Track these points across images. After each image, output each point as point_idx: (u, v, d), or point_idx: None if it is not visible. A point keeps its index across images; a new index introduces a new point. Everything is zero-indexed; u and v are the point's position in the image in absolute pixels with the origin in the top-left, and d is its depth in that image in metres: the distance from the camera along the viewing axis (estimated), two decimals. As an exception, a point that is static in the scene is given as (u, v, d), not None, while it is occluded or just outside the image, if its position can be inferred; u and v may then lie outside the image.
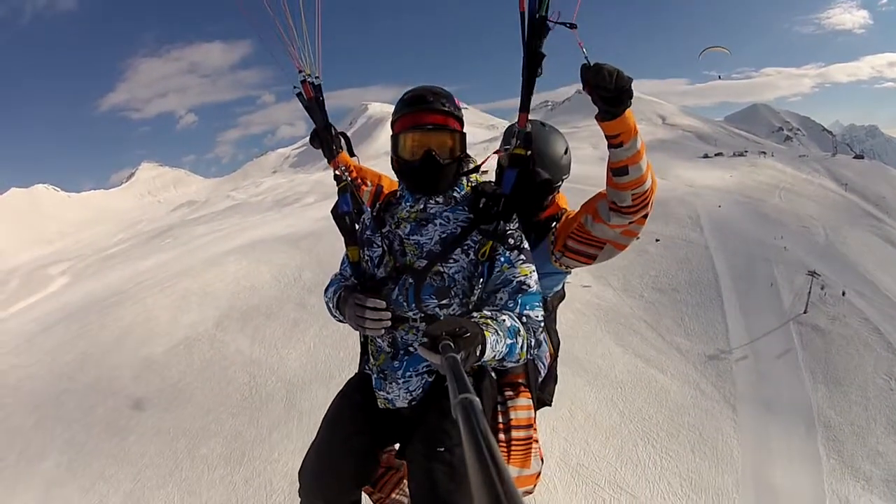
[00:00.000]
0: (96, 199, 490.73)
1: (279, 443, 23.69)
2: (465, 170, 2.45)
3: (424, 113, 2.27)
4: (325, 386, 26.10)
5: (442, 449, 2.09)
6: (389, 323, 2.23)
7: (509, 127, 2.68)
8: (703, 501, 22.02)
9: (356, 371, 2.78)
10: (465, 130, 2.37)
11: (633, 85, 2.17)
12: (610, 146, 2.36)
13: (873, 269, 45.20)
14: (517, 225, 2.36)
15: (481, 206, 2.35)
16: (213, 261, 51.02)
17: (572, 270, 3.02)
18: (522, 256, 2.27)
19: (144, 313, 43.54)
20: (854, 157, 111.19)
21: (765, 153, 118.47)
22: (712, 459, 24.26)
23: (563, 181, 3.01)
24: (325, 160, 3.02)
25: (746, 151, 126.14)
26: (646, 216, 2.57)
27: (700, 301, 37.78)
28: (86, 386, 34.15)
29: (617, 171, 2.38)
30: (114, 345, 38.91)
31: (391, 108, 2.57)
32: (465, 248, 2.29)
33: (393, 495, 2.71)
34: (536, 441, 2.68)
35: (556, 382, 3.17)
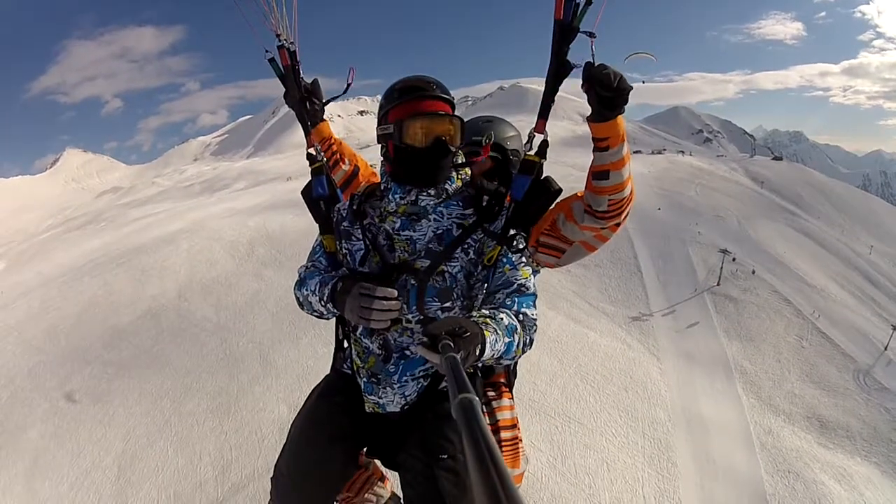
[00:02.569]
0: (23, 184, 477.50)
1: (262, 395, 27.63)
2: (457, 163, 2.59)
3: (429, 100, 2.45)
4: (295, 346, 30.78)
5: (445, 456, 2.24)
6: (397, 314, 2.29)
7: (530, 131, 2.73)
8: (641, 428, 29.42)
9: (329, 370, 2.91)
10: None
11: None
12: (596, 149, 2.51)
13: (785, 254, 55.96)
14: (521, 228, 2.51)
15: (484, 204, 2.52)
16: (166, 239, 56.73)
17: (540, 270, 3.11)
18: (524, 259, 2.40)
19: (105, 287, 49.62)
20: (772, 159, 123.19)
21: (683, 152, 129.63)
22: (644, 397, 31.94)
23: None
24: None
25: (664, 150, 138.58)
26: (619, 224, 2.74)
27: (622, 275, 47.08)
28: (58, 357, 38.94)
29: (598, 174, 2.54)
30: (80, 317, 44.57)
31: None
32: (465, 246, 2.42)
33: (364, 495, 2.83)
34: (521, 440, 2.99)
35: (515, 377, 3.27)
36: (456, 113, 2.51)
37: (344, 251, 2.61)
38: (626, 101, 2.32)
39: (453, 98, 2.52)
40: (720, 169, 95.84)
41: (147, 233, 70.68)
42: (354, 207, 2.64)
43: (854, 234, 69.43)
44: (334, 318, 2.74)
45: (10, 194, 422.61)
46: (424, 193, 2.45)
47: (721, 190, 79.91)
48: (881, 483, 28.46)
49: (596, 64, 2.30)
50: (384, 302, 2.17)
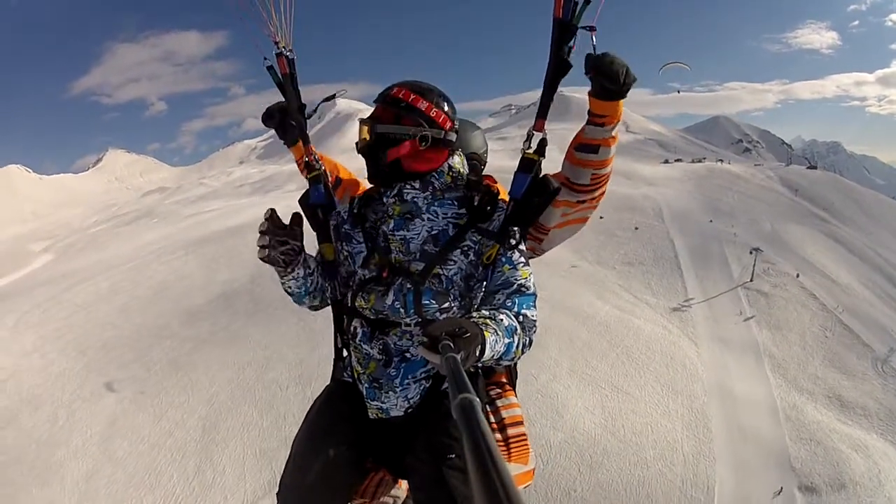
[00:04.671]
0: (67, 182, 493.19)
1: (344, 366, 32.12)
2: (453, 166, 2.61)
3: (378, 105, 2.55)
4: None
5: (453, 456, 2.15)
6: (267, 251, 2.37)
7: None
8: (681, 400, 33.49)
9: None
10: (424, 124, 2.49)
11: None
12: (591, 123, 2.52)
13: (813, 254, 58.78)
14: (518, 226, 2.52)
15: (476, 203, 2.54)
16: (231, 231, 62.38)
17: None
18: (523, 259, 2.42)
19: (175, 273, 54.58)
20: (808, 168, 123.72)
21: (722, 161, 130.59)
22: (682, 374, 35.89)
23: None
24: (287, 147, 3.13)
25: (704, 158, 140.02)
26: (601, 195, 2.80)
27: (663, 272, 51.02)
28: (133, 332, 42.75)
29: (586, 147, 2.57)
30: (153, 298, 49.12)
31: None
32: (465, 248, 2.44)
33: (380, 499, 2.62)
34: (527, 437, 2.79)
35: (516, 377, 3.08)
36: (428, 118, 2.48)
37: (345, 253, 2.66)
38: (630, 86, 2.38)
39: (426, 104, 2.49)
40: (756, 177, 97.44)
41: (207, 226, 75.82)
42: (355, 211, 2.69)
43: (882, 241, 70.88)
44: (333, 328, 2.83)
45: (53, 191, 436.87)
46: (408, 186, 2.51)
47: (757, 196, 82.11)
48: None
49: (601, 54, 2.34)
50: (262, 237, 2.35)
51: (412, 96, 2.47)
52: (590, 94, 2.43)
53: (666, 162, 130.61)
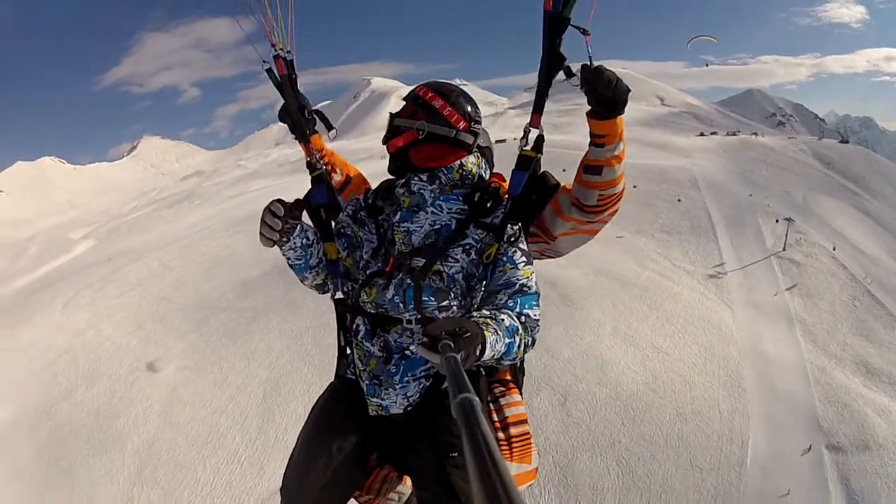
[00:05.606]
0: (102, 170, 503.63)
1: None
2: (465, 164, 2.65)
3: (404, 107, 2.68)
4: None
5: (456, 454, 2.14)
6: (278, 236, 2.44)
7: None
8: (717, 361, 35.23)
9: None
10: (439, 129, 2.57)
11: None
12: (592, 144, 2.53)
13: (843, 226, 60.21)
14: (518, 224, 2.52)
15: (476, 199, 2.55)
16: None
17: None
18: (524, 258, 2.41)
19: (227, 249, 56.55)
20: (840, 142, 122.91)
21: (756, 134, 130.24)
22: (718, 337, 37.58)
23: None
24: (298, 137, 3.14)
25: (739, 131, 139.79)
26: (610, 215, 2.75)
27: (699, 241, 52.57)
28: (188, 305, 44.64)
29: (590, 168, 2.56)
30: (207, 273, 51.09)
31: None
32: (467, 247, 2.45)
33: (384, 495, 2.66)
34: (531, 436, 2.72)
35: (524, 375, 3.01)
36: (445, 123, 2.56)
37: (361, 237, 2.70)
38: (625, 103, 2.39)
39: (441, 102, 2.57)
40: (790, 150, 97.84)
41: (253, 205, 77.02)
42: (369, 202, 2.74)
43: (911, 216, 71.63)
44: (336, 326, 2.84)
45: (89, 180, 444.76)
46: (416, 178, 2.57)
47: (790, 169, 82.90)
48: (918, 428, 32.16)
49: (593, 66, 2.34)
50: (270, 216, 2.37)
51: (430, 94, 2.60)
52: (587, 114, 2.47)
53: (701, 135, 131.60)
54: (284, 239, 2.50)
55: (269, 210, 2.36)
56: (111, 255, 67.30)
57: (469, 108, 2.64)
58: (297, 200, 2.56)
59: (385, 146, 2.68)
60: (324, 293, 2.88)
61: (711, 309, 40.90)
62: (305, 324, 38.80)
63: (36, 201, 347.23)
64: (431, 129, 2.55)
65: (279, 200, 2.40)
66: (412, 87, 2.70)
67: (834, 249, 51.71)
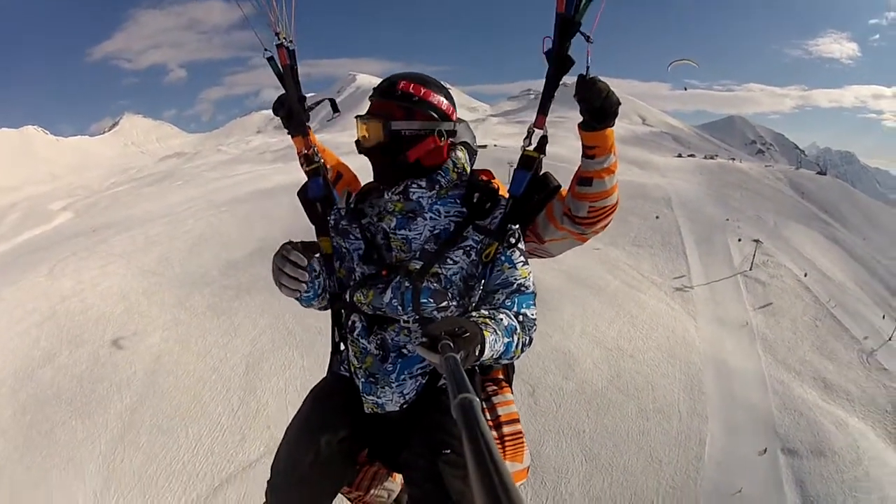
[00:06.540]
0: (83, 144, 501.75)
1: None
2: (456, 157, 2.57)
3: (375, 100, 2.53)
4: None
5: (448, 451, 2.12)
6: (305, 287, 2.29)
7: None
8: (679, 366, 36.82)
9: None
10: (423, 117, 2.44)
11: (619, 95, 2.44)
12: (583, 156, 2.54)
13: (812, 252, 62.01)
14: (517, 225, 2.46)
15: (475, 200, 2.46)
16: (264, 193, 65.77)
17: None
18: (522, 258, 2.38)
19: (211, 228, 57.16)
20: (817, 173, 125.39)
21: (734, 159, 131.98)
22: (682, 344, 39.26)
23: None
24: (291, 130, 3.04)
25: (717, 155, 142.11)
26: (601, 228, 2.76)
27: (669, 255, 54.53)
28: (173, 280, 45.22)
29: (582, 180, 2.57)
30: (192, 249, 51.76)
31: (377, 81, 2.42)
32: (467, 248, 2.38)
33: (373, 491, 2.69)
34: (523, 434, 2.71)
35: (513, 371, 2.99)
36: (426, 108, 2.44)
37: (344, 250, 2.61)
38: (615, 115, 2.40)
39: (437, 97, 2.46)
40: (766, 177, 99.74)
41: (238, 189, 78.57)
42: (352, 206, 2.64)
43: (881, 249, 74.23)
44: (331, 322, 2.84)
45: (70, 153, 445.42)
46: (415, 185, 2.44)
47: (764, 194, 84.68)
48: (874, 440, 33.11)
49: (588, 76, 2.33)
50: (293, 268, 2.16)
51: (423, 90, 2.44)
52: (579, 126, 2.47)
53: (679, 156, 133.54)
54: (308, 287, 2.43)
55: (289, 262, 2.16)
56: (95, 227, 67.48)
57: (450, 97, 2.57)
58: (310, 243, 2.31)
59: (387, 155, 2.48)
60: (328, 310, 2.86)
61: (676, 318, 42.60)
62: (288, 304, 37.29)
63: (18, 169, 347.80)
64: (447, 128, 2.49)
65: (295, 248, 2.18)
66: (382, 84, 2.52)
67: (805, 276, 53.34)
